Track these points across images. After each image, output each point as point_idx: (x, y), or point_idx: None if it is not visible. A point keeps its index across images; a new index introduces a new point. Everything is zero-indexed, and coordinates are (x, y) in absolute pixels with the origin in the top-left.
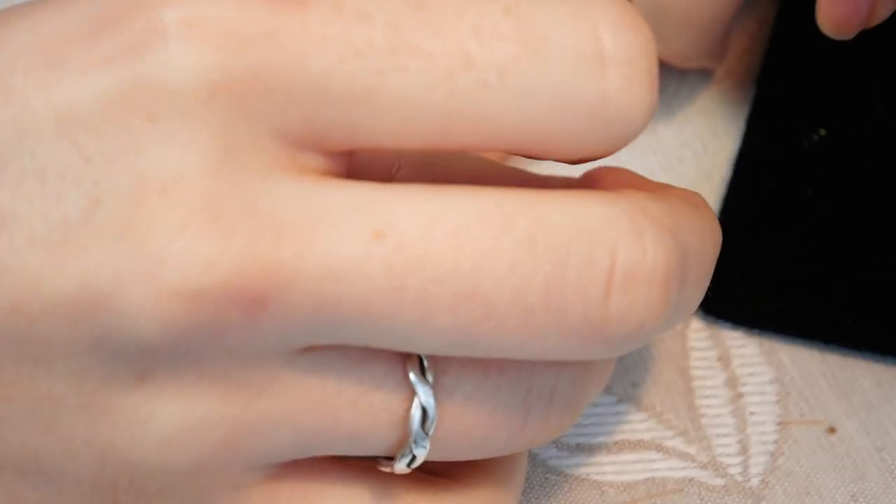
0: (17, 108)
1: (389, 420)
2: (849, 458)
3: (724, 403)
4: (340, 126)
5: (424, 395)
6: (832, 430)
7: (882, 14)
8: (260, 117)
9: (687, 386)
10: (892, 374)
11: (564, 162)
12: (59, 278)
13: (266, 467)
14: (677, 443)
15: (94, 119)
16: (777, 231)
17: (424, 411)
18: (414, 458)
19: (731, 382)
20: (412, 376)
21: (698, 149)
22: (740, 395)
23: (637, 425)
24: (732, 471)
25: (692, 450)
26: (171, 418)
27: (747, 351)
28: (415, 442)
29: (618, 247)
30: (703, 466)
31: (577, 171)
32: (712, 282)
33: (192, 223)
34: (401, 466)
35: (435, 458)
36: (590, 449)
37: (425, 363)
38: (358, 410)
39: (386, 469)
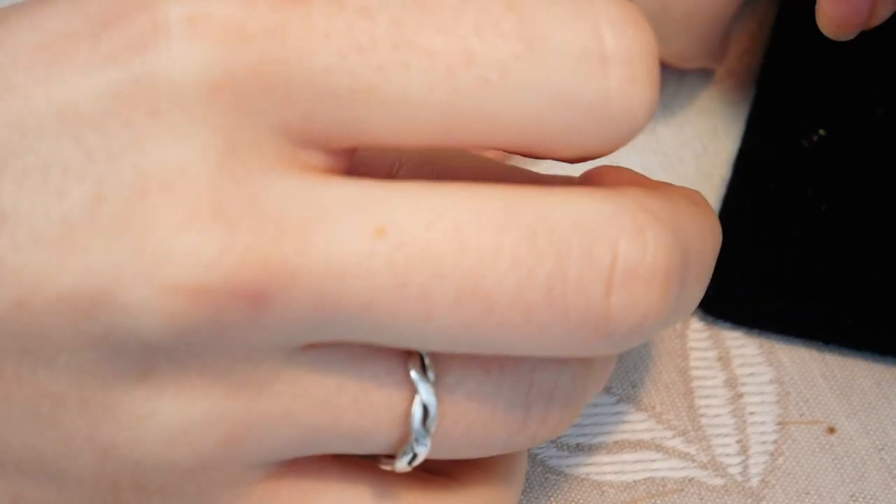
0: (19, 104)
1: (390, 418)
2: (848, 458)
3: (723, 403)
4: (342, 123)
5: (426, 393)
6: (832, 430)
7: (882, 15)
8: (262, 114)
9: (687, 386)
10: (892, 374)
11: (564, 160)
12: (62, 275)
13: (267, 465)
14: (677, 443)
15: (96, 116)
16: (777, 231)
17: (425, 409)
18: (415, 456)
19: (731, 382)
20: (413, 374)
21: (698, 149)
22: (740, 396)
23: (637, 425)
24: (732, 471)
25: (692, 450)
26: (173, 416)
27: (747, 351)
28: (416, 440)
29: (619, 243)
30: (703, 466)
31: (577, 171)
32: (712, 282)
33: (194, 220)
34: (402, 465)
35: (436, 456)
36: (589, 449)
37: (426, 361)
38: (359, 408)
39: (387, 467)
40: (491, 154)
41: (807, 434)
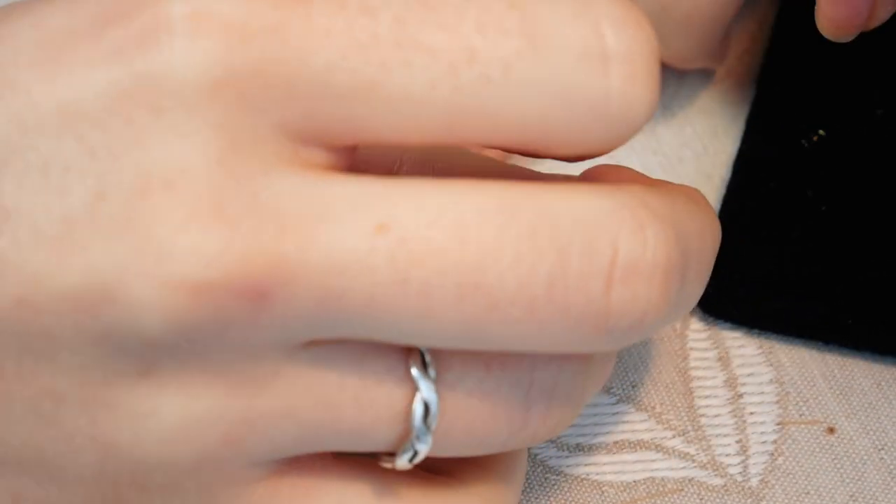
0: (20, 102)
1: (391, 415)
2: (848, 458)
3: (723, 403)
4: (344, 121)
5: (426, 390)
6: (831, 431)
7: (881, 16)
8: (263, 112)
9: (686, 386)
10: (892, 375)
11: (565, 159)
12: (63, 272)
13: (268, 464)
14: (677, 443)
15: (98, 113)
16: (777, 231)
17: (426, 406)
18: (416, 453)
19: (731, 383)
20: (414, 371)
21: (698, 149)
22: (740, 396)
23: (637, 425)
24: (732, 471)
25: (692, 450)
26: (174, 413)
27: (747, 351)
28: (417, 437)
29: (619, 239)
30: (703, 466)
31: (577, 171)
32: (712, 281)
33: (196, 217)
34: (402, 462)
35: (437, 454)
36: (589, 449)
37: (427, 358)
38: (360, 406)
39: (387, 465)
40: (491, 154)
41: (806, 434)
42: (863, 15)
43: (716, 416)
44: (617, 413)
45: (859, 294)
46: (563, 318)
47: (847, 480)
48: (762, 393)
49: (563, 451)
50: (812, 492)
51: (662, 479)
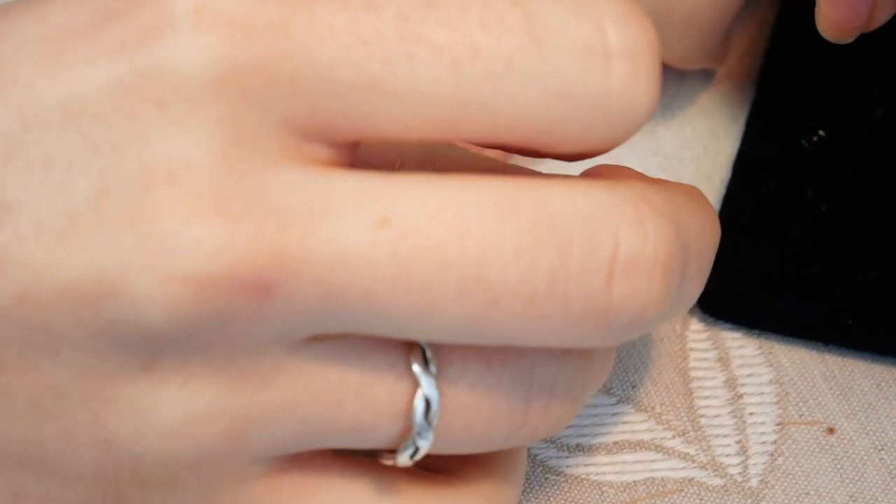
0: (23, 97)
1: (392, 411)
2: (848, 458)
3: (723, 404)
4: (347, 116)
5: (427, 386)
6: (831, 431)
7: (881, 18)
8: (267, 107)
9: (686, 387)
10: (892, 375)
11: (566, 157)
12: (66, 266)
13: (269, 460)
14: (677, 443)
15: (101, 108)
16: (777, 231)
17: (427, 402)
18: (417, 449)
19: (731, 383)
20: (415, 367)
21: (698, 150)
22: (740, 396)
23: (636, 426)
24: (732, 471)
25: (692, 450)
26: (176, 409)
27: (747, 352)
28: (418, 433)
29: (620, 233)
30: (703, 467)
31: (577, 171)
32: (712, 282)
33: (199, 211)
34: (403, 459)
35: (438, 451)
36: (589, 449)
37: (428, 354)
38: (361, 401)
39: (388, 462)
40: (491, 154)
41: (806, 434)
42: (863, 17)
43: (716, 416)
44: (617, 413)
45: (859, 294)
46: (564, 313)
47: (847, 481)
48: (762, 393)
49: (563, 451)
50: (812, 492)
51: (662, 479)
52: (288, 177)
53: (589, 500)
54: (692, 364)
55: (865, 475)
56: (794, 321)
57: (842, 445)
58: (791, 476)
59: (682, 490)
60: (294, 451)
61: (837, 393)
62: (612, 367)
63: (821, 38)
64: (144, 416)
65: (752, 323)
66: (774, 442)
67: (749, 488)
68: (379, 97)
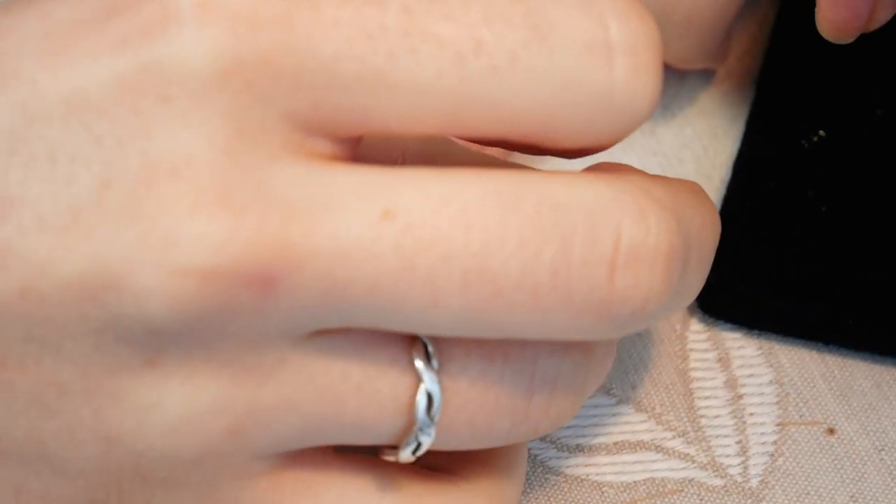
0: (26, 92)
1: (394, 407)
2: (848, 458)
3: (723, 405)
4: (351, 110)
5: (430, 381)
6: (831, 431)
7: (881, 18)
8: (271, 101)
9: (686, 387)
10: (892, 375)
11: (567, 153)
12: (69, 260)
13: (271, 457)
14: (677, 444)
15: (104, 103)
16: (777, 231)
17: (430, 398)
18: (419, 445)
19: (731, 384)
20: (417, 362)
21: (698, 150)
22: (740, 397)
23: (637, 426)
24: (732, 471)
25: (692, 450)
26: (178, 404)
27: (747, 352)
28: (420, 429)
29: (622, 225)
30: (703, 467)
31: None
32: (712, 282)
33: (202, 204)
34: (405, 454)
35: (440, 446)
36: (589, 450)
37: (430, 349)
38: (363, 397)
39: (390, 458)
40: (492, 152)
41: (806, 435)
42: (863, 17)
43: (716, 416)
44: (617, 414)
45: (859, 294)
46: (567, 305)
47: (847, 481)
48: (762, 394)
49: (563, 451)
50: (812, 492)
51: (662, 479)
52: (291, 171)
53: (589, 500)
54: (692, 364)
55: (866, 476)
56: (794, 321)
57: (842, 446)
58: (791, 476)
59: (682, 490)
60: (296, 447)
61: (838, 393)
62: (613, 368)
63: (821, 38)
64: (147, 412)
65: (752, 323)
66: (775, 442)
67: (749, 489)
68: (382, 90)
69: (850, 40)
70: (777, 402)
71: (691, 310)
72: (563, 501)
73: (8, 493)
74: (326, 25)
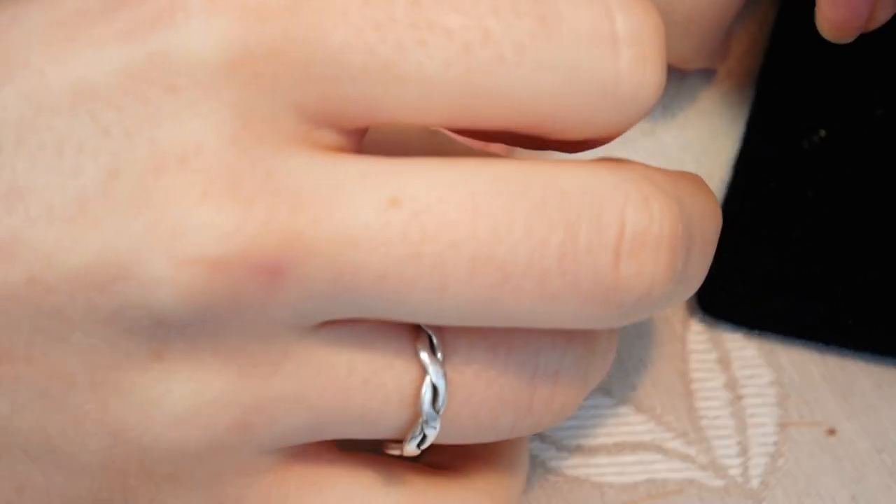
0: (34, 81)
1: (399, 399)
2: (848, 459)
3: (723, 405)
4: (358, 101)
5: (435, 374)
6: (832, 432)
7: (881, 18)
8: (279, 92)
9: (687, 388)
10: (892, 376)
11: (571, 146)
12: (77, 250)
13: (276, 453)
14: (677, 444)
15: (112, 93)
16: (777, 231)
17: (435, 390)
18: (424, 437)
19: (731, 384)
20: (423, 355)
21: (698, 151)
22: (740, 397)
23: (637, 427)
24: (732, 472)
25: (692, 451)
26: (185, 398)
27: (747, 353)
28: (425, 422)
29: (626, 212)
30: (704, 468)
31: None
32: (712, 282)
33: (210, 195)
34: (410, 448)
35: (444, 440)
36: (590, 450)
37: (435, 341)
38: (368, 390)
39: (395, 452)
40: (495, 149)
41: (807, 435)
42: (862, 17)
43: (716, 417)
44: (617, 415)
45: (859, 294)
46: (574, 292)
47: (848, 482)
48: (763, 395)
49: (564, 451)
50: (813, 493)
51: (663, 480)
52: (299, 161)
53: (589, 500)
54: (693, 365)
55: (866, 476)
56: (794, 321)
57: (842, 446)
58: (792, 477)
59: (682, 491)
60: (302, 441)
61: (838, 394)
62: (613, 369)
63: (821, 38)
64: (154, 405)
65: (752, 323)
66: (775, 443)
67: (750, 489)
68: (390, 81)
69: (850, 40)
70: (777, 403)
71: (691, 311)
72: (563, 502)
73: (10, 490)
74: (334, 16)
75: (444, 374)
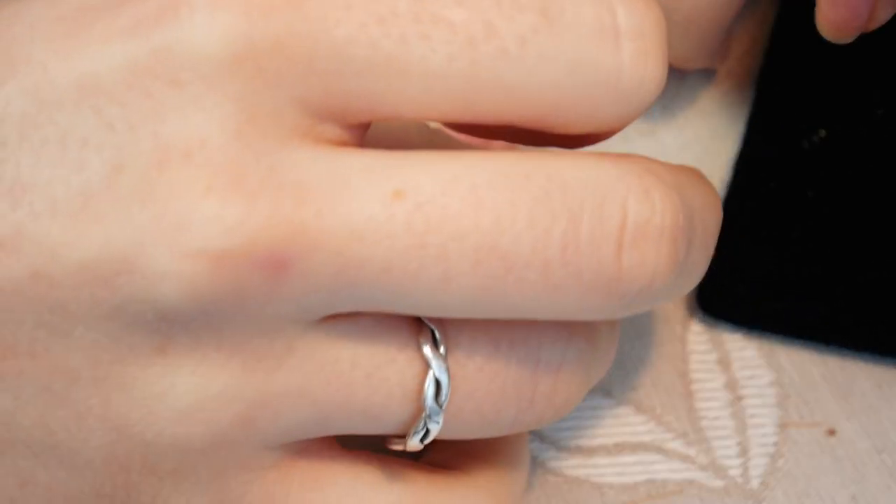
0: (37, 77)
1: (403, 394)
2: (849, 459)
3: (723, 406)
4: (362, 96)
5: (438, 369)
6: (832, 432)
7: (881, 18)
8: (283, 86)
9: (687, 388)
10: (892, 376)
11: (572, 142)
12: (81, 244)
13: (279, 449)
14: (677, 445)
15: (115, 87)
16: (777, 231)
17: (438, 385)
18: (428, 432)
19: (731, 385)
20: (426, 349)
21: (698, 151)
22: (740, 398)
23: (637, 427)
24: (732, 472)
25: (692, 452)
26: (189, 393)
27: (747, 354)
28: (429, 416)
29: (628, 203)
30: (704, 468)
31: None
32: (712, 282)
33: (215, 188)
34: (414, 442)
35: (447, 435)
36: (590, 451)
37: (437, 335)
38: (372, 384)
39: (398, 447)
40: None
41: (807, 436)
42: (862, 17)
43: (716, 418)
44: (617, 415)
45: (859, 294)
46: (577, 282)
47: (848, 482)
48: (762, 395)
49: (564, 452)
50: (813, 493)
51: (663, 480)
52: (302, 155)
53: (589, 501)
54: (693, 366)
55: (866, 476)
56: (794, 321)
57: (843, 447)
58: (792, 477)
59: (682, 491)
60: (305, 436)
61: (838, 394)
62: (613, 370)
63: (821, 38)
64: (157, 400)
65: (752, 323)
66: (775, 443)
67: (750, 490)
68: (394, 75)
69: (850, 40)
70: (777, 404)
71: (691, 311)
72: (563, 502)
73: (13, 485)
74: (338, 10)
75: (447, 369)
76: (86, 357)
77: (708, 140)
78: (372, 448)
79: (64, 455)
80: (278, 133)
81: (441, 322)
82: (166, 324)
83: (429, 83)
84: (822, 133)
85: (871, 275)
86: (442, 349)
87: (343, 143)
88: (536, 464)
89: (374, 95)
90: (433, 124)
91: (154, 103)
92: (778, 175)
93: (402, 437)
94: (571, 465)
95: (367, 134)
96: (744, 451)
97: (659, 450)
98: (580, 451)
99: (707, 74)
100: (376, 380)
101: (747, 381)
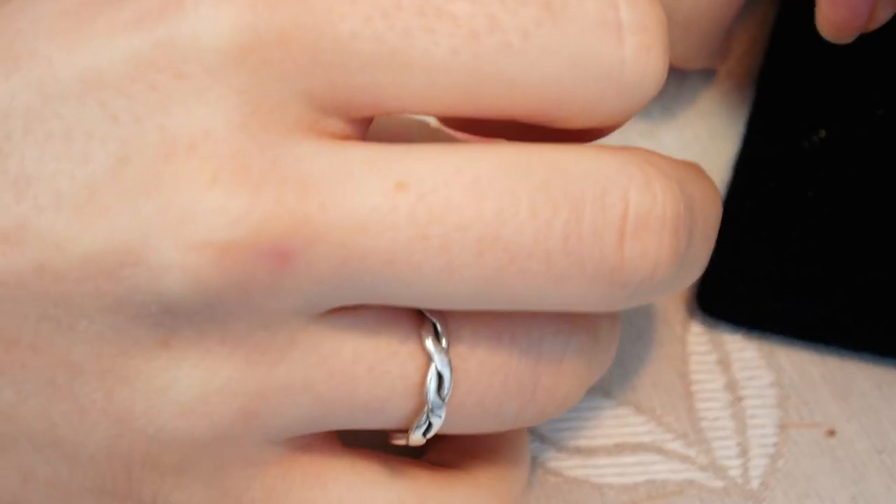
0: (42, 70)
1: (405, 388)
2: (848, 460)
3: (723, 406)
4: (367, 89)
5: (440, 362)
6: (832, 433)
7: (881, 18)
8: (288, 79)
9: (687, 389)
10: (892, 376)
11: (574, 136)
12: (85, 237)
13: (281, 444)
14: (677, 445)
15: (120, 80)
16: (777, 231)
17: (440, 379)
18: (430, 426)
19: (731, 386)
20: (428, 343)
21: (698, 151)
22: (740, 399)
23: (637, 428)
24: (732, 473)
25: (692, 452)
26: (192, 386)
27: (747, 354)
28: (431, 410)
29: (629, 193)
30: (703, 469)
31: None
32: (712, 282)
33: (219, 180)
34: (416, 436)
35: (449, 429)
36: (590, 451)
37: (439, 329)
38: (374, 378)
39: (400, 441)
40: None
41: (807, 437)
42: (862, 17)
43: (716, 418)
44: (617, 415)
45: (859, 294)
46: (579, 273)
47: (848, 483)
48: (762, 396)
49: (564, 452)
50: (813, 494)
51: (663, 481)
52: (306, 147)
53: (589, 501)
54: (693, 367)
55: (866, 477)
56: (794, 321)
57: (842, 447)
58: (792, 478)
59: (682, 492)
60: (308, 431)
61: (838, 395)
62: (613, 370)
63: (821, 38)
64: (160, 394)
65: (752, 323)
66: (775, 444)
67: (750, 490)
68: (399, 68)
69: (850, 40)
70: (777, 404)
71: (691, 312)
72: (563, 502)
73: (15, 479)
74: (343, 4)
75: (449, 362)
76: (89, 350)
77: (708, 140)
78: (373, 446)
79: (66, 449)
80: (282, 126)
81: (443, 315)
82: (170, 317)
83: (432, 76)
84: (822, 133)
85: (871, 275)
86: (444, 342)
87: (346, 137)
88: (536, 464)
89: (379, 89)
90: (433, 123)
91: (159, 96)
92: (778, 175)
93: (405, 431)
94: (571, 466)
95: (369, 132)
96: (744, 452)
97: (659, 450)
98: (580, 451)
99: (707, 74)
100: (378, 373)
101: (747, 382)
